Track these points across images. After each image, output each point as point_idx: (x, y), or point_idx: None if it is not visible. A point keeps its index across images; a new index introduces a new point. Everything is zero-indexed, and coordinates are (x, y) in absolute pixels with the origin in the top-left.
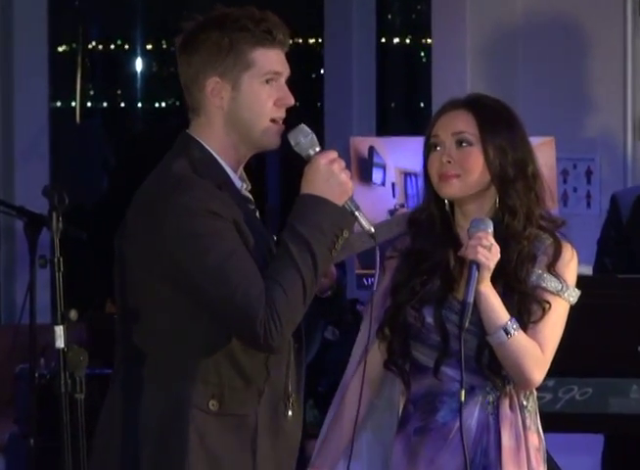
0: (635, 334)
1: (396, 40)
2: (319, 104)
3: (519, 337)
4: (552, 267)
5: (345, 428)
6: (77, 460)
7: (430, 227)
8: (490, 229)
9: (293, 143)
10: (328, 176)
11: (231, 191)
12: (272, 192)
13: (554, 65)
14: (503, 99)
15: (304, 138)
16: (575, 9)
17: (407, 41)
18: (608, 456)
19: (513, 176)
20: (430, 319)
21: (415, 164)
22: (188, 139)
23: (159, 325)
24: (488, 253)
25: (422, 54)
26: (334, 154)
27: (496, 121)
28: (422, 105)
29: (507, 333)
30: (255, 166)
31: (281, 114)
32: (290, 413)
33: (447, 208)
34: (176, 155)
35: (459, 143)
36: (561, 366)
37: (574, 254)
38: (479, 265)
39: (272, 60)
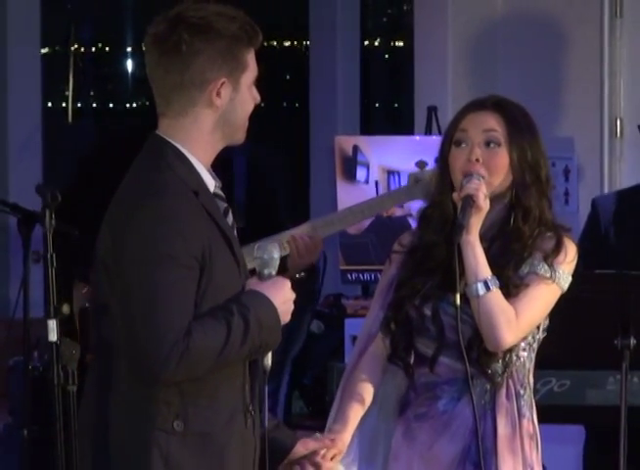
0: (611, 328)
1: (379, 42)
2: (304, 104)
3: (498, 294)
4: (549, 259)
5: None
6: (69, 450)
7: (440, 222)
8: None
9: (258, 254)
10: (287, 300)
11: (206, 196)
12: (238, 188)
13: (533, 65)
14: None
15: (268, 256)
16: (554, 11)
17: (390, 43)
18: (589, 446)
19: (530, 180)
20: (428, 312)
21: (398, 162)
22: (162, 143)
23: (112, 340)
24: (484, 198)
25: (404, 55)
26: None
27: (521, 125)
28: (405, 105)
29: (487, 287)
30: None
31: None
32: (249, 424)
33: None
34: (151, 162)
35: (487, 143)
36: (539, 359)
37: (576, 254)
38: (474, 202)
39: (254, 61)
